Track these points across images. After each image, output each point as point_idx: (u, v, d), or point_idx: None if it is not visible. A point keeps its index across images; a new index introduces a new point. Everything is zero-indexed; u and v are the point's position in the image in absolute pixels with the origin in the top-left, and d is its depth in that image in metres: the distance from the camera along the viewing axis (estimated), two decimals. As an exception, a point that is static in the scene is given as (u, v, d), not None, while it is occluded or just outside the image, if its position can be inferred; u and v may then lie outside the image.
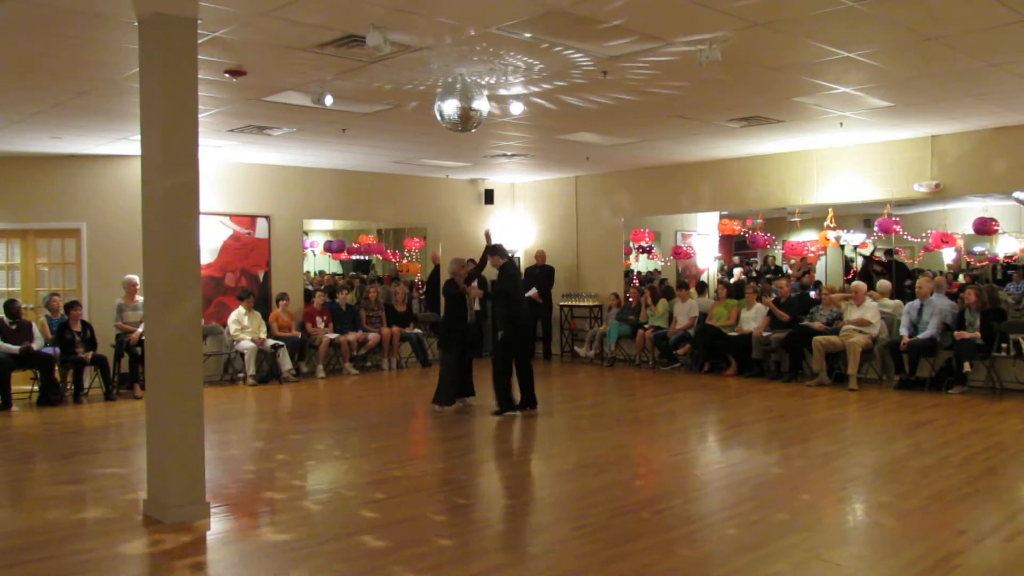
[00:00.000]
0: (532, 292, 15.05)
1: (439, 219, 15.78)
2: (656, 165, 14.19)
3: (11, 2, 5.62)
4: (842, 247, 16.85)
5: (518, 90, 8.37)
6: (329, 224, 18.88)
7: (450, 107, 7.40)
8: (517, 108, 8.98)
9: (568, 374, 13.56)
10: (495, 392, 9.89)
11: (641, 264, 16.03)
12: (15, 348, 10.59)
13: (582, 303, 15.33)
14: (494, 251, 10.12)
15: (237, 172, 13.25)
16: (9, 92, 8.23)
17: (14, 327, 10.79)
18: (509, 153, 12.78)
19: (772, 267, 18.16)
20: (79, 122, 9.69)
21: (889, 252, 15.91)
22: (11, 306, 10.96)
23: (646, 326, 13.78)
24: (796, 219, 16.50)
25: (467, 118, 7.45)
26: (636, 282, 15.42)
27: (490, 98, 7.83)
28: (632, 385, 12.18)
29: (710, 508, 5.97)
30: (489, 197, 16.14)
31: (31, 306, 12.01)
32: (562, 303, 15.51)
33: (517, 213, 16.55)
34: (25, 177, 12.10)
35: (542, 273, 15.21)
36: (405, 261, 17.45)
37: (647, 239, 15.75)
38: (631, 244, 15.69)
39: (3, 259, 12.37)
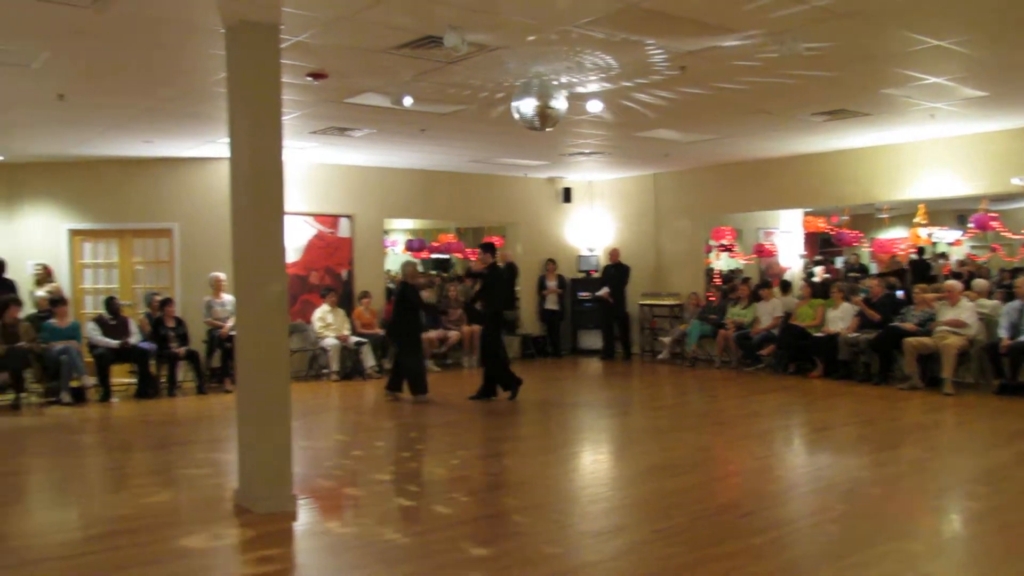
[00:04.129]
0: (603, 291, 15.02)
1: (517, 218, 15.81)
2: (737, 161, 13.96)
3: (107, 13, 5.84)
4: (934, 244, 16.32)
5: (595, 87, 8.33)
6: (409, 223, 19.12)
7: (528, 106, 7.41)
8: (595, 106, 8.94)
9: (648, 374, 13.45)
10: (500, 379, 10.47)
11: (722, 262, 15.80)
12: (114, 343, 11.03)
13: (662, 302, 15.18)
14: (487, 249, 10.72)
15: (320, 173, 13.52)
16: (105, 98, 8.55)
17: (113, 323, 11.25)
18: (587, 151, 12.73)
19: (856, 265, 17.69)
20: (170, 126, 10.02)
21: (921, 251, 15.33)
22: (111, 303, 11.47)
23: (727, 324, 13.57)
24: (884, 215, 16.04)
25: (545, 117, 7.45)
26: (718, 280, 15.22)
27: (567, 96, 7.81)
28: (714, 386, 12.01)
29: (796, 513, 5.82)
30: (567, 195, 16.11)
31: (128, 303, 12.46)
32: (642, 302, 15.38)
33: (595, 211, 16.47)
34: (121, 180, 12.56)
35: (616, 272, 15.11)
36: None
37: (728, 237, 15.52)
38: (712, 242, 15.48)
39: (102, 258, 12.88)
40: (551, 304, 15.66)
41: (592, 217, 16.47)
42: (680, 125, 10.63)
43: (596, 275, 15.76)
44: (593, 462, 7.74)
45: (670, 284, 15.32)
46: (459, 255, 19.29)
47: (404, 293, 10.62)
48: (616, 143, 11.96)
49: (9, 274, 11.66)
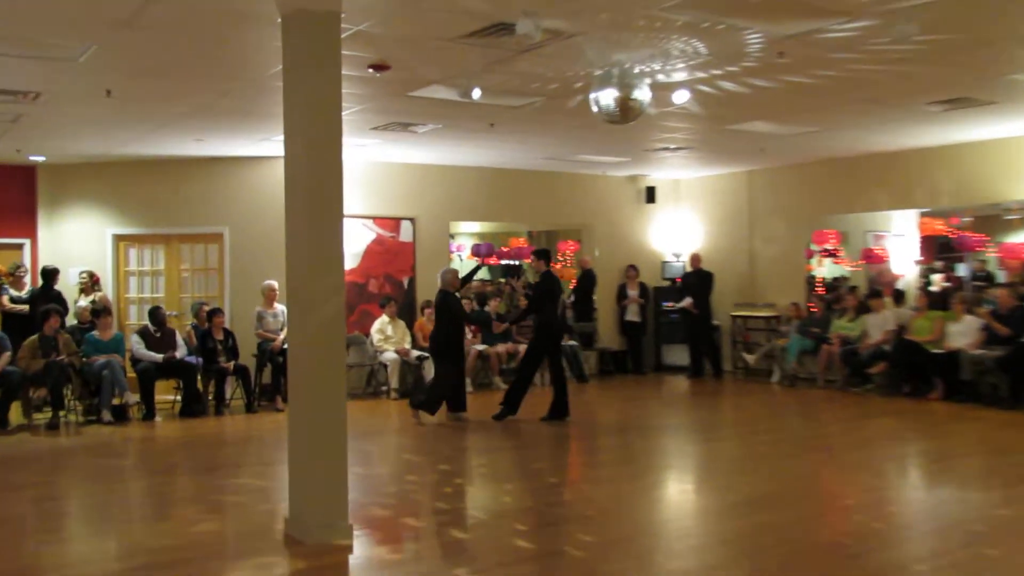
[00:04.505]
0: (687, 302, 14.88)
1: (595, 220, 15.79)
2: (842, 156, 13.72)
3: (157, 4, 6.02)
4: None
5: (683, 76, 8.28)
6: (477, 226, 19.23)
7: (607, 98, 7.39)
8: (682, 96, 8.88)
9: (741, 394, 13.31)
10: (511, 395, 10.64)
11: (825, 269, 15.54)
12: (159, 357, 11.30)
13: (757, 313, 14.99)
14: (540, 255, 10.86)
15: (380, 172, 13.69)
16: (154, 93, 8.81)
17: (158, 335, 11.52)
18: (672, 146, 12.65)
19: (982, 273, 17.20)
20: (222, 123, 10.27)
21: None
22: (156, 313, 11.71)
23: (831, 338, 13.32)
24: (1013, 216, 15.59)
25: (626, 109, 7.42)
26: (820, 290, 14.97)
27: (651, 86, 7.77)
28: (816, 408, 11.82)
29: (915, 555, 5.67)
30: (650, 195, 16.03)
31: (174, 313, 12.77)
32: (734, 313, 15.20)
33: (681, 213, 16.35)
34: (169, 181, 12.92)
35: (697, 280, 14.96)
36: (559, 266, 17.54)
37: (832, 240, 15.24)
38: (813, 246, 15.22)
39: (148, 265, 13.25)
40: (632, 315, 15.59)
41: (678, 219, 16.35)
42: (778, 116, 10.50)
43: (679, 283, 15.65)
44: (679, 492, 7.69)
45: (766, 294, 15.12)
46: (530, 261, 19.32)
47: (444, 302, 10.67)
48: (705, 137, 11.87)
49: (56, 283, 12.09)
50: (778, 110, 10.08)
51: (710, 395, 13.32)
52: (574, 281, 16.25)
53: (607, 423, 11.27)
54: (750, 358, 14.37)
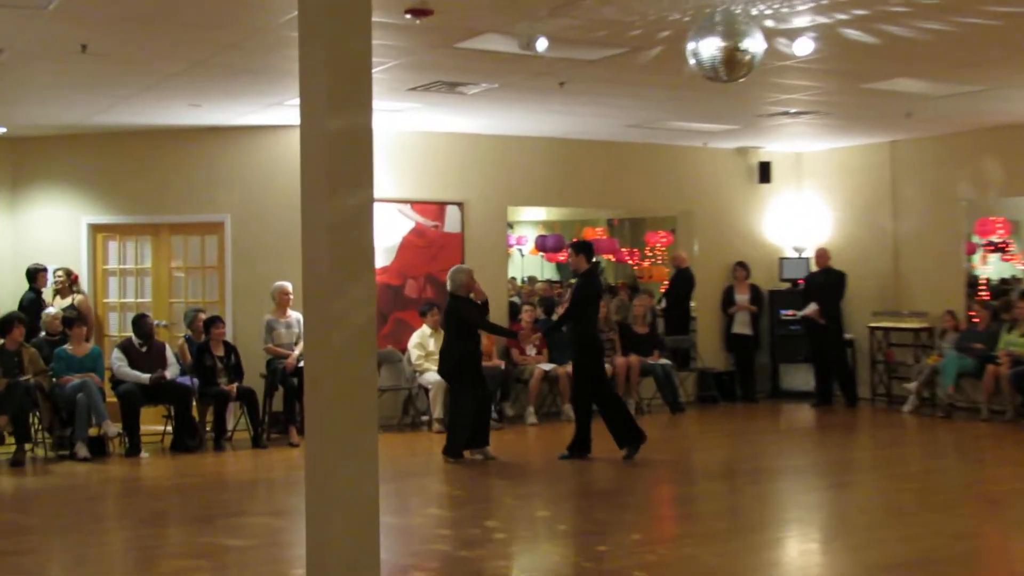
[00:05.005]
0: (811, 309, 14.72)
1: (693, 204, 15.71)
2: (1015, 123, 13.50)
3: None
4: None
5: (806, 20, 8.20)
6: (542, 213, 19.24)
7: (709, 48, 7.34)
8: (805, 46, 8.81)
9: (882, 427, 13.18)
10: (580, 431, 10.60)
11: (991, 268, 15.31)
12: (145, 377, 11.43)
13: (902, 324, 14.79)
14: (580, 249, 10.88)
15: (421, 145, 13.75)
16: (140, 48, 8.94)
17: (144, 349, 11.66)
18: (792, 110, 12.55)
19: None
20: (223, 84, 10.39)
21: None
22: (142, 323, 11.81)
23: (999, 357, 13.10)
24: None
25: (733, 63, 7.37)
26: (985, 294, 14.73)
27: (766, 33, 7.71)
28: (980, 446, 11.68)
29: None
30: (764, 173, 15.90)
31: (164, 323, 12.93)
32: (873, 324, 15.02)
33: (805, 195, 16.20)
34: (157, 157, 13.12)
35: (825, 282, 14.81)
36: (647, 263, 17.51)
37: (1001, 231, 15.00)
38: (976, 239, 15.02)
39: (132, 262, 13.45)
40: (741, 327, 15.48)
41: (800, 203, 16.22)
42: (929, 72, 10.38)
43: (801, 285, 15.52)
44: (802, 553, 7.63)
45: (914, 299, 14.93)
46: (611, 257, 19.30)
47: (456, 309, 10.71)
48: (835, 98, 11.76)
49: (18, 283, 12.31)
50: (931, 62, 9.95)
51: (841, 429, 13.21)
52: (666, 283, 16.21)
53: (707, 464, 11.21)
54: (910, 387, 14.12)
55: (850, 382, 14.91)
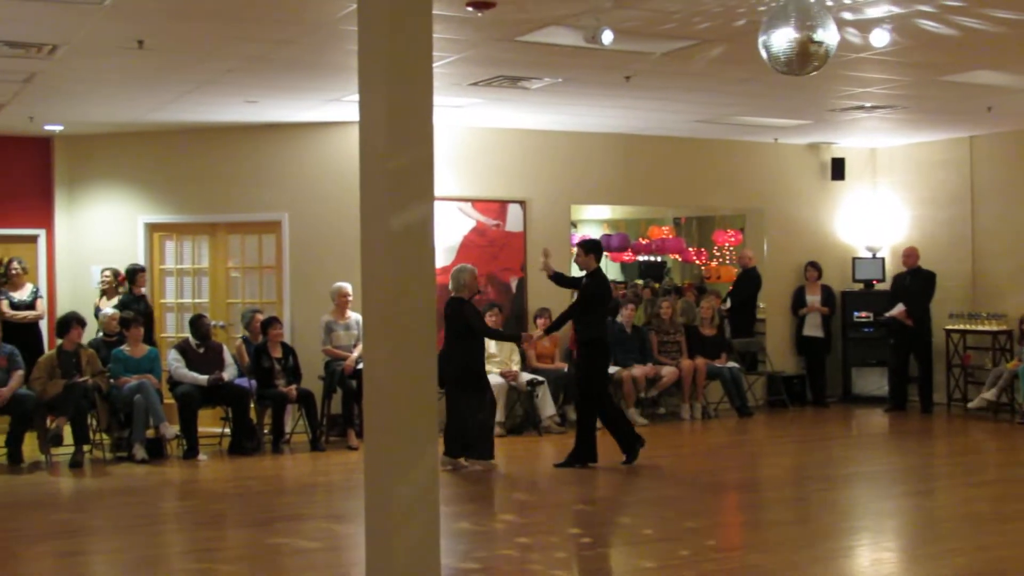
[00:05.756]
0: (898, 310, 14.54)
1: (763, 202, 15.60)
2: (1103, 116, 13.29)
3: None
4: None
5: (881, 11, 8.11)
6: (607, 212, 19.20)
7: (781, 40, 7.28)
8: (881, 37, 8.71)
9: (958, 433, 13.09)
10: (583, 438, 10.52)
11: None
12: (202, 379, 11.56)
13: (979, 327, 14.57)
14: (591, 248, 10.83)
15: (482, 141, 13.77)
16: (196, 44, 9.02)
17: (202, 351, 11.79)
18: (868, 104, 12.43)
19: None
20: (280, 80, 10.46)
21: None
22: (200, 324, 11.96)
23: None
24: None
25: (806, 55, 7.30)
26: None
27: (839, 23, 7.62)
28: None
29: None
30: (837, 170, 15.76)
31: (220, 324, 13.06)
32: (949, 327, 14.82)
33: (878, 192, 16.04)
34: (215, 155, 13.26)
35: (913, 283, 14.62)
36: (714, 263, 17.39)
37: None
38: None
39: (189, 261, 13.59)
40: (812, 329, 15.37)
41: (875, 201, 16.06)
42: (1010, 64, 10.24)
43: (880, 286, 15.36)
44: (874, 563, 7.55)
45: (993, 301, 14.70)
46: (677, 257, 19.20)
47: (459, 312, 10.66)
48: (912, 91, 11.62)
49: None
50: (1011, 55, 9.81)
51: (917, 435, 13.10)
52: (732, 283, 16.10)
53: (777, 470, 11.18)
54: (989, 395, 13.92)
55: (929, 386, 14.74)
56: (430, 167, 5.94)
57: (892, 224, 15.91)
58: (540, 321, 13.38)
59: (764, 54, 7.42)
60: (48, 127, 12.78)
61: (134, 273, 12.49)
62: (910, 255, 14.89)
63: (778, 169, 15.61)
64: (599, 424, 10.71)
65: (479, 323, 10.84)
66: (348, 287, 12.24)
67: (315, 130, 13.09)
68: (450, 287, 10.84)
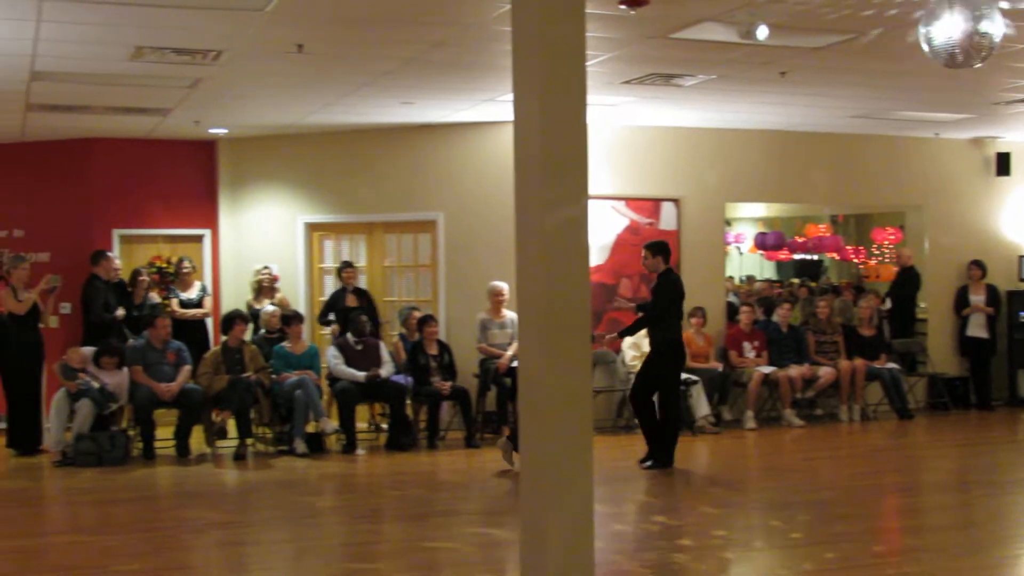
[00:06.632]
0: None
1: (923, 199, 15.25)
2: None
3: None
4: None
5: (1053, -1, 7.83)
6: (762, 209, 18.99)
7: (945, 32, 7.10)
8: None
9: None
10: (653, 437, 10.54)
11: None
12: (361, 375, 11.79)
13: None
14: (659, 250, 10.78)
15: (635, 140, 13.74)
16: (354, 47, 9.20)
17: (359, 348, 12.02)
18: (1036, 96, 12.05)
19: None
20: (435, 81, 10.60)
21: None
22: (357, 321, 12.16)
23: None
24: None
25: (971, 47, 7.11)
26: None
27: (1005, 13, 7.39)
28: None
29: None
30: (1003, 165, 15.32)
31: (379, 321, 13.25)
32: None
33: (1049, 188, 15.57)
34: (371, 156, 13.49)
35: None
36: (873, 262, 17.06)
37: None
38: None
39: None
40: (976, 330, 14.97)
41: (1044, 197, 15.59)
42: None
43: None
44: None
45: None
46: (835, 255, 18.90)
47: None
48: (1083, 82, 11.22)
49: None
50: None
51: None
52: (891, 282, 15.80)
53: (938, 475, 10.95)
54: None
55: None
56: (584, 166, 5.94)
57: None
58: (694, 320, 13.32)
59: (925, 47, 7.25)
60: (213, 131, 13.19)
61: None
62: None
63: (939, 165, 15.25)
64: (651, 420, 10.68)
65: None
66: (504, 286, 12.38)
67: (470, 130, 13.22)
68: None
